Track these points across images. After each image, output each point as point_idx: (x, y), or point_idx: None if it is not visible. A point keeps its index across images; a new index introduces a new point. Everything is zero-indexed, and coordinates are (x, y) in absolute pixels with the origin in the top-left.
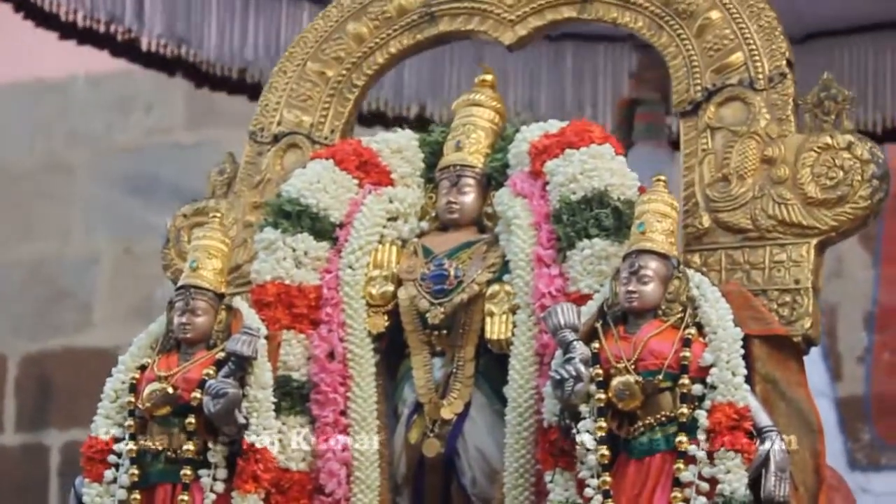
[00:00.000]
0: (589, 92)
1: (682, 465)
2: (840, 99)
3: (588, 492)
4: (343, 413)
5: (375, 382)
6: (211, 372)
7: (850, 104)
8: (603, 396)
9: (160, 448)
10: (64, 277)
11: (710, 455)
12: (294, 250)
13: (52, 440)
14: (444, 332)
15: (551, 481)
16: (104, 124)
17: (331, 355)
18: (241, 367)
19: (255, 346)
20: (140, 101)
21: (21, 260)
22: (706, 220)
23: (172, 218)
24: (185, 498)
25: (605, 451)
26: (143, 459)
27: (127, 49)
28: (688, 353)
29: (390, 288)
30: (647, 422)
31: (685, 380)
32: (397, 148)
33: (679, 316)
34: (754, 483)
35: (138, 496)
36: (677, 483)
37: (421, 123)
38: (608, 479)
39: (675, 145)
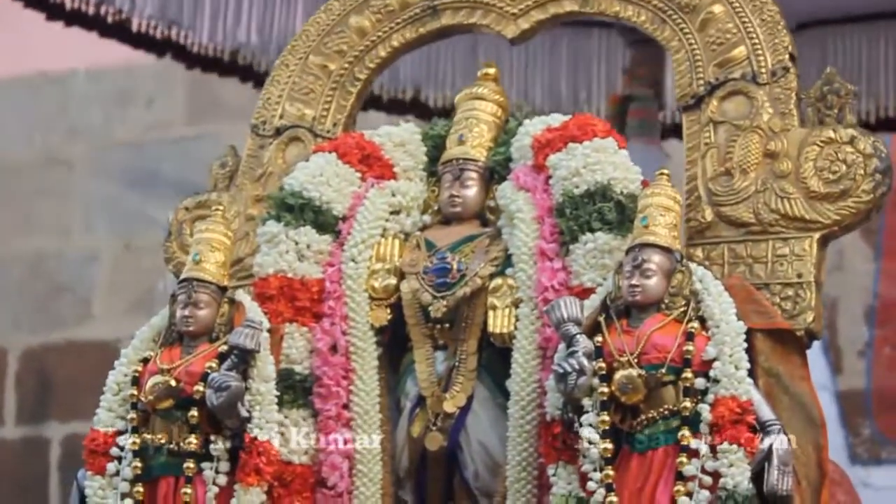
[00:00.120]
0: (583, 78)
1: (684, 459)
2: (843, 93)
3: (591, 485)
4: (345, 406)
5: (378, 376)
6: (214, 365)
7: (852, 98)
8: (606, 390)
9: (163, 441)
10: (64, 271)
11: (712, 449)
12: (297, 243)
13: (53, 433)
14: (447, 325)
15: (554, 475)
16: (104, 118)
17: (333, 349)
18: (243, 360)
19: (258, 340)
20: (140, 95)
21: (21, 254)
22: (709, 214)
23: (174, 211)
24: (188, 491)
25: (607, 444)
26: (145, 452)
27: (117, 31)
28: (691, 347)
29: (393, 281)
30: (650, 415)
31: (688, 373)
32: (400, 141)
33: (682, 310)
34: (757, 477)
35: (141, 489)
36: (680, 477)
37: (416, 107)
38: (611, 472)
39: (664, 137)
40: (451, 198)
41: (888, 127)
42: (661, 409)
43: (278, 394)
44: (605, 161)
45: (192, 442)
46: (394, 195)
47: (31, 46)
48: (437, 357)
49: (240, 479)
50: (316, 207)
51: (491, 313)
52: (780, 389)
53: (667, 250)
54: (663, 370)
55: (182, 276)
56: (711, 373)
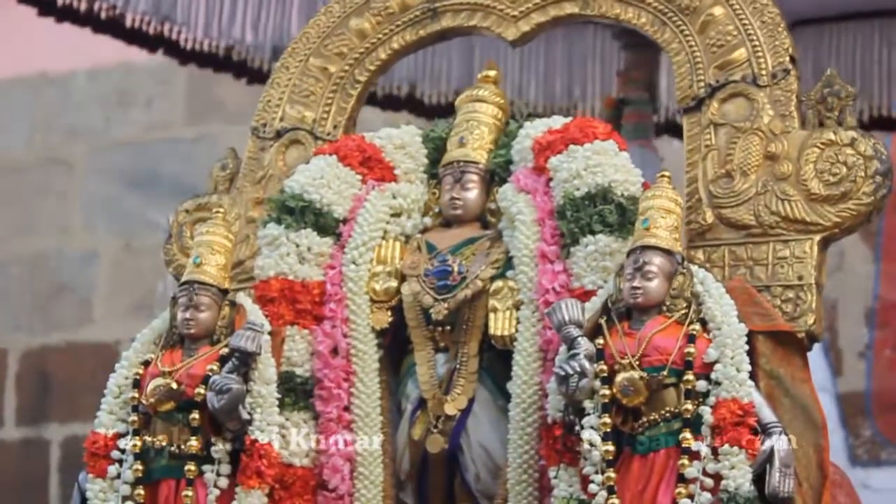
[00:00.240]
0: (578, 75)
1: (686, 461)
2: (843, 95)
3: (592, 488)
4: (346, 409)
5: (379, 378)
6: (215, 367)
7: (852, 100)
8: (607, 392)
9: (164, 444)
10: (64, 272)
11: (714, 451)
12: (297, 246)
13: (53, 434)
14: (448, 327)
15: (555, 477)
16: (104, 118)
17: (334, 351)
18: (244, 362)
19: (259, 342)
20: (140, 95)
21: (21, 255)
22: (709, 217)
23: (174, 213)
24: (189, 493)
25: (609, 446)
26: (146, 455)
27: (111, 26)
28: (692, 349)
29: (394, 284)
30: (652, 418)
31: (689, 376)
32: (401, 144)
33: (683, 312)
34: (759, 479)
35: (142, 492)
36: (682, 479)
37: (411, 104)
38: (612, 474)
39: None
40: (452, 200)
41: (882, 126)
42: (663, 412)
43: (279, 396)
44: (605, 163)
45: (194, 444)
46: (394, 197)
47: (31, 47)
48: (438, 359)
49: (241, 481)
50: (317, 210)
51: (492, 316)
52: (781, 391)
53: (668, 252)
54: (665, 372)
55: (183, 279)
56: (713, 375)
